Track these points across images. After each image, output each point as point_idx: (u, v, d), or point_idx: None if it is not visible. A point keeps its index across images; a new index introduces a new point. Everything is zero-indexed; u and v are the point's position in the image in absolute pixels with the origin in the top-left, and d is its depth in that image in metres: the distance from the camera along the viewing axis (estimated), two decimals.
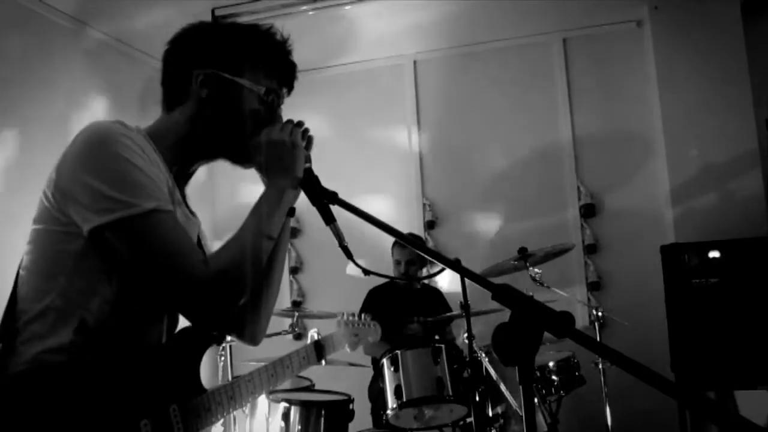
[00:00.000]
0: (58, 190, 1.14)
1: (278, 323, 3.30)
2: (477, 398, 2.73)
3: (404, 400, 2.81)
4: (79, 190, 1.11)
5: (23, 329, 1.15)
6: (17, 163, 3.41)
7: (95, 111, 3.96)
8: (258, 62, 1.30)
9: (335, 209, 1.26)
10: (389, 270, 3.93)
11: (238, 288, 1.17)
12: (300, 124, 1.31)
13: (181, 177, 1.33)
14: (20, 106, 3.48)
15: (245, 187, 4.79)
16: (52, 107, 3.64)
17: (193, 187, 1.41)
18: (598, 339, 3.20)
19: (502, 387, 2.80)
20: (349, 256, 1.25)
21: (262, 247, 1.21)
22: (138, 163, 1.13)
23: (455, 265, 1.12)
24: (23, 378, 1.10)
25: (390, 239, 3.89)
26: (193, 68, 1.27)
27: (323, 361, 2.01)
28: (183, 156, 1.30)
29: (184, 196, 1.33)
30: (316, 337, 2.04)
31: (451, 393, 2.81)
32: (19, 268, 1.22)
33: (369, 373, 3.60)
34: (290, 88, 1.36)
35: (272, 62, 1.31)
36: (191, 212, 1.34)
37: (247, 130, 1.28)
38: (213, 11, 4.02)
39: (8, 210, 3.24)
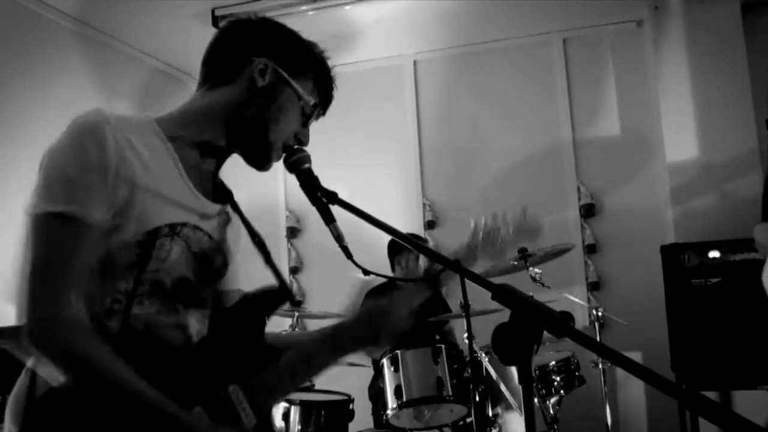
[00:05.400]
0: None
1: (278, 323, 3.31)
2: (477, 398, 2.73)
3: (404, 400, 2.81)
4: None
5: None
6: (15, 163, 3.41)
7: None
8: (316, 78, 1.31)
9: (335, 209, 1.26)
10: (389, 270, 3.93)
11: (67, 362, 1.03)
12: None
13: (211, 161, 1.29)
14: (19, 105, 3.48)
15: (245, 191, 4.78)
16: (51, 107, 3.64)
17: None
18: (598, 339, 3.20)
19: (502, 387, 2.80)
20: (348, 256, 1.24)
21: (121, 398, 1.06)
22: (88, 161, 1.08)
23: (455, 265, 1.12)
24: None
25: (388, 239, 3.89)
26: (256, 54, 1.26)
27: None
28: (209, 141, 1.26)
29: (205, 182, 1.28)
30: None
31: (451, 393, 2.81)
32: None
33: (369, 373, 3.60)
34: (322, 113, 1.38)
35: (324, 86, 1.34)
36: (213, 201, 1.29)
37: (280, 134, 1.28)
38: (213, 11, 4.01)
39: (6, 211, 3.24)
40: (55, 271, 1.04)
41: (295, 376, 1.30)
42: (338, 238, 1.25)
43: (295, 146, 1.30)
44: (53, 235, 1.06)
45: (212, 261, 1.25)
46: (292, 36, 1.33)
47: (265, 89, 1.26)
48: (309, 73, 1.30)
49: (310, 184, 1.26)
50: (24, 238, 1.06)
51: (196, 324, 1.24)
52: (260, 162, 1.31)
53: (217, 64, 1.29)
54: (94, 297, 1.12)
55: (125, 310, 1.13)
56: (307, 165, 1.28)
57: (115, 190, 1.09)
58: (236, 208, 1.35)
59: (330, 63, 1.35)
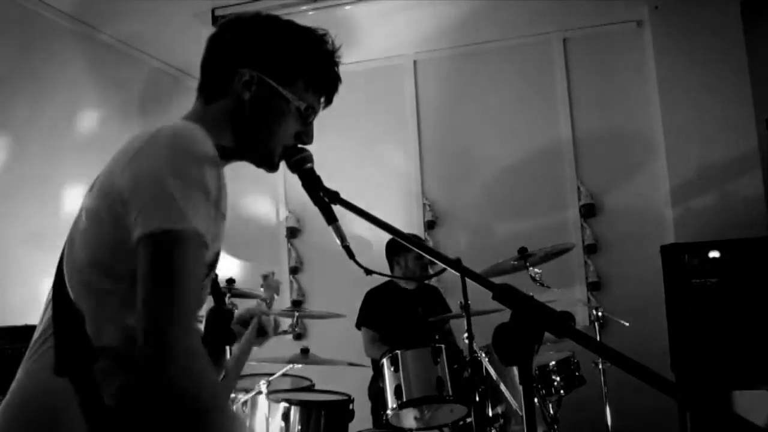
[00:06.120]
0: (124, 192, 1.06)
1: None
2: (477, 398, 2.73)
3: (404, 400, 2.81)
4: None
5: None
6: (16, 163, 3.41)
7: (95, 111, 3.96)
8: (305, 74, 1.26)
9: (336, 209, 1.26)
10: (387, 270, 3.93)
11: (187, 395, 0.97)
12: None
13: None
14: (20, 106, 3.48)
15: (246, 191, 4.79)
16: (52, 107, 3.64)
17: None
18: (598, 339, 3.20)
19: (502, 387, 2.80)
20: (350, 255, 1.24)
21: None
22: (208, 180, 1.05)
23: (456, 265, 1.12)
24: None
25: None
26: (240, 65, 1.23)
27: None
28: (231, 149, 1.25)
29: None
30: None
31: (451, 393, 2.81)
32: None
33: (369, 373, 3.60)
34: (329, 102, 1.33)
35: (320, 76, 1.28)
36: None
37: (279, 140, 1.26)
38: (213, 11, 4.01)
39: (6, 211, 3.24)
40: (181, 292, 0.99)
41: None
42: (341, 238, 1.24)
43: (298, 146, 1.28)
44: (178, 252, 1.00)
45: None
46: (281, 37, 1.27)
47: (254, 100, 1.23)
48: (299, 75, 1.26)
49: (312, 183, 1.25)
50: (143, 259, 1.00)
51: None
52: (267, 167, 1.29)
53: (210, 77, 1.27)
54: None
55: None
56: (309, 165, 1.27)
57: (216, 220, 1.09)
58: None
59: (329, 46, 1.29)
